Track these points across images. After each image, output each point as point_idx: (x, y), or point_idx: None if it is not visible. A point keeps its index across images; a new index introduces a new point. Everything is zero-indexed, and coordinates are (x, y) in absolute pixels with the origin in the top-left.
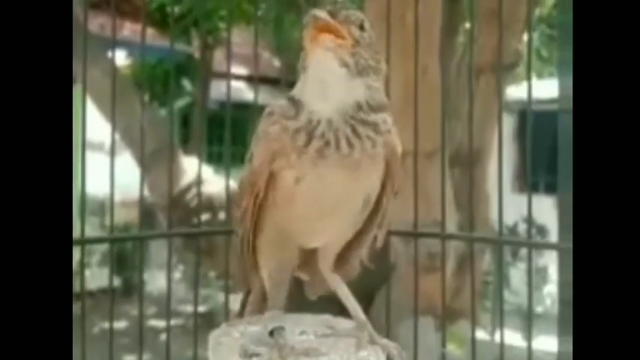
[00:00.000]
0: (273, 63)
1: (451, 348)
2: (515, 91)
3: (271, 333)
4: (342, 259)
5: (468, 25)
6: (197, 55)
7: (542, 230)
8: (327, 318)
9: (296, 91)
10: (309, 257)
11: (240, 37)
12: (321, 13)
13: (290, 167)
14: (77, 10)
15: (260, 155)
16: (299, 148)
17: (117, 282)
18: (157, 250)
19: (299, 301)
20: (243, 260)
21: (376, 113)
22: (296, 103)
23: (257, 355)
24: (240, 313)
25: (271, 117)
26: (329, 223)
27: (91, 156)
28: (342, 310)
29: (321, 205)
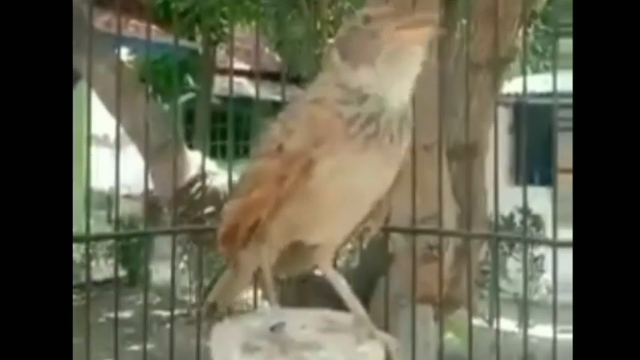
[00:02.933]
0: (274, 58)
1: (449, 336)
2: (511, 85)
3: (272, 328)
4: None
5: (464, 21)
6: (200, 51)
7: (537, 221)
8: (328, 313)
9: (360, 81)
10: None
11: (243, 34)
12: (430, 14)
13: (332, 155)
14: (83, 7)
15: (300, 140)
16: (350, 135)
17: (122, 273)
18: (162, 241)
19: (300, 296)
20: (232, 243)
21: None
22: (358, 92)
23: (258, 349)
24: (209, 288)
25: (321, 103)
26: (341, 218)
27: (96, 150)
28: (341, 305)
29: (346, 199)
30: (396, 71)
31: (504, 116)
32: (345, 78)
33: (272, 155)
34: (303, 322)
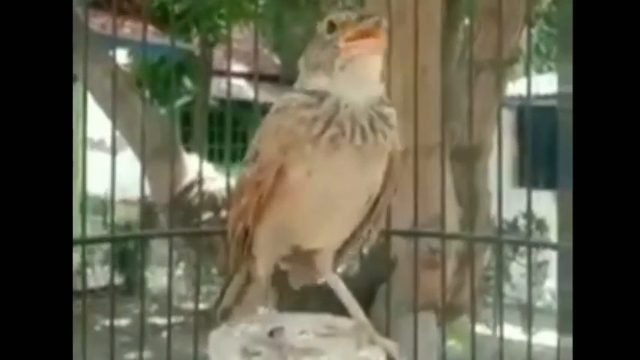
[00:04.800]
0: (272, 60)
1: (452, 342)
2: (514, 87)
3: (271, 334)
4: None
5: (467, 21)
6: (198, 52)
7: (541, 225)
8: (328, 318)
9: (318, 85)
10: (295, 250)
11: (241, 35)
12: (373, 18)
13: (303, 160)
14: (78, 8)
15: (269, 150)
16: (314, 138)
17: (118, 280)
18: (158, 247)
19: (299, 300)
20: (234, 251)
21: (388, 106)
22: (318, 94)
23: (257, 354)
24: (219, 301)
25: (285, 111)
26: (333, 221)
27: (92, 154)
28: (342, 310)
29: (330, 201)
30: (351, 79)
31: (508, 118)
32: (306, 83)
33: (252, 162)
34: (302, 327)
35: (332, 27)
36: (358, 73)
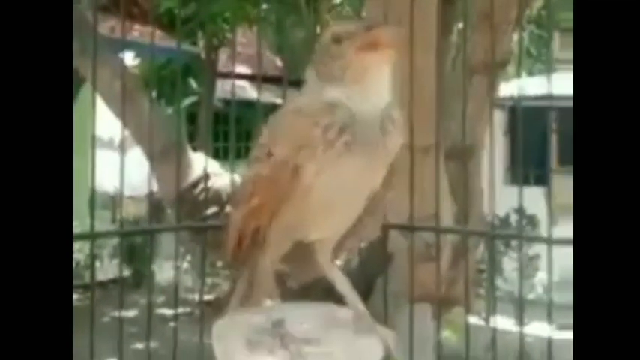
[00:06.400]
0: (275, 62)
1: (447, 333)
2: (506, 88)
3: (273, 324)
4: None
5: (461, 25)
6: (203, 55)
7: (532, 220)
8: (328, 307)
9: (332, 97)
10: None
11: (244, 39)
12: (384, 29)
13: (313, 160)
14: (88, 13)
15: (285, 149)
16: (328, 142)
17: (127, 272)
18: (166, 241)
19: (300, 291)
20: (245, 247)
21: (395, 108)
22: (332, 103)
23: (259, 343)
24: (226, 302)
25: (299, 113)
26: (336, 216)
27: (101, 153)
28: (342, 301)
29: (335, 198)
30: (363, 89)
31: (500, 118)
32: (319, 93)
33: (263, 161)
34: (303, 316)
35: (338, 39)
36: (370, 84)
